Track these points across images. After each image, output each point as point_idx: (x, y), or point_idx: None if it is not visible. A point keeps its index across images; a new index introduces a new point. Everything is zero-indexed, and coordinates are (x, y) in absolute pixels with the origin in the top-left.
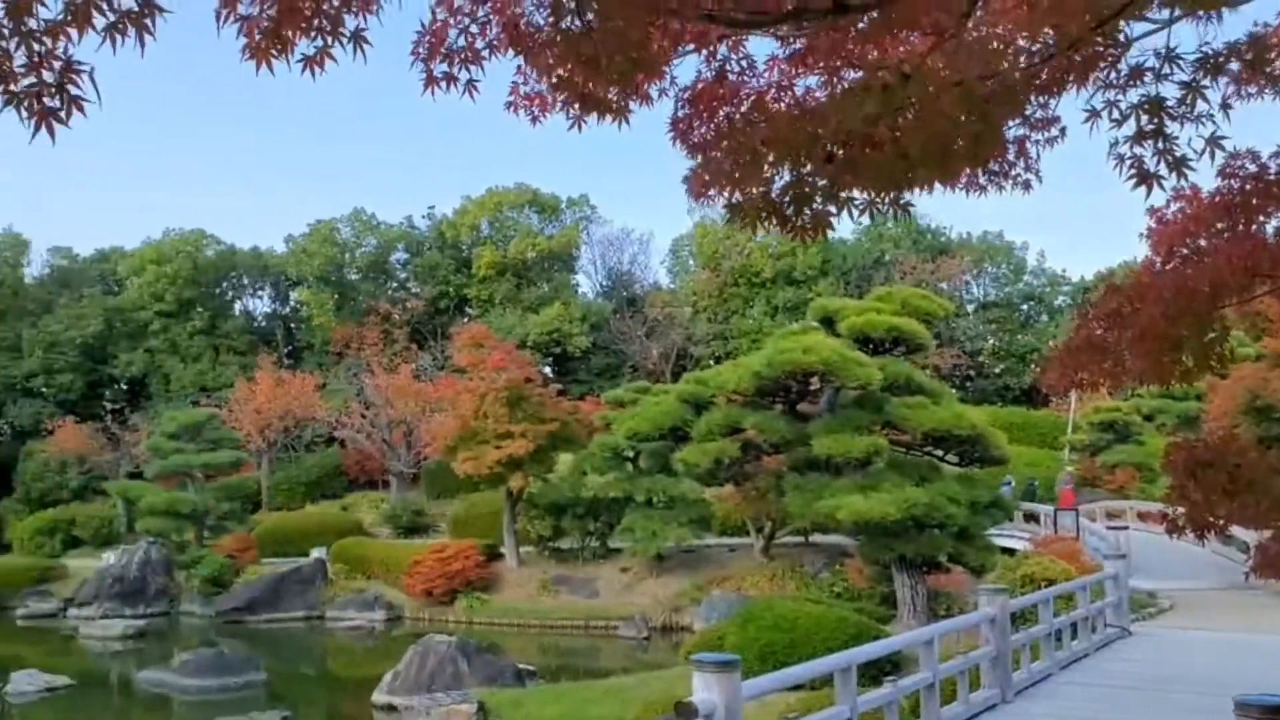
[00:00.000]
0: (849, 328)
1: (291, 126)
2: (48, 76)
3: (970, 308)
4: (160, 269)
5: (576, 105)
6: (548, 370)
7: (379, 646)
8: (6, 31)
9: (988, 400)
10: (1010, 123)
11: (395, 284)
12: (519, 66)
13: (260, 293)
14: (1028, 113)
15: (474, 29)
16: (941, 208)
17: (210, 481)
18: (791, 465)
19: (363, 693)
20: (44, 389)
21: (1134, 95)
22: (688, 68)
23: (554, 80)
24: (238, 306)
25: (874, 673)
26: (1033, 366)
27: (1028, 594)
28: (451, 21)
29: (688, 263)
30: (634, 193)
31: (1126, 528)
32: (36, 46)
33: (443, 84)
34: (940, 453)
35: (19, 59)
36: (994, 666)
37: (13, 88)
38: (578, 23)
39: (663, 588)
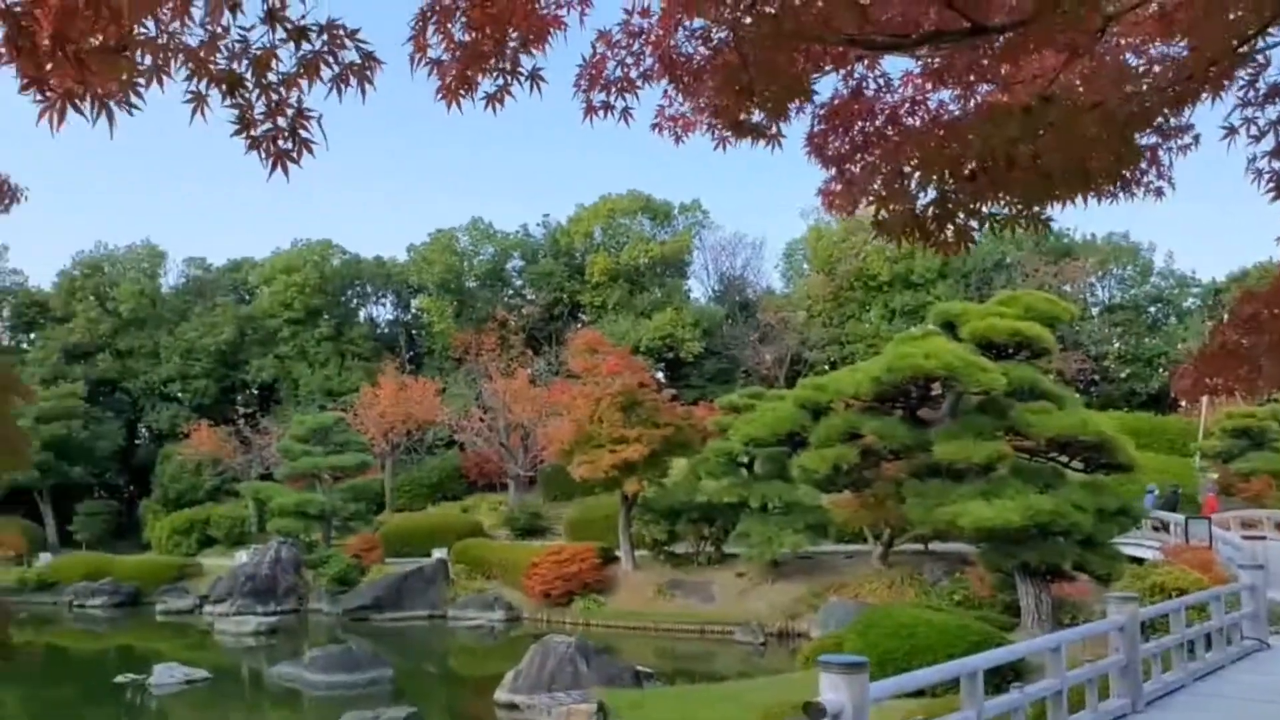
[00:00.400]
0: (971, 332)
1: (411, 136)
2: (282, 123)
3: (1095, 311)
4: (289, 278)
5: (729, 131)
6: (660, 376)
7: (499, 646)
8: (249, 84)
9: (1114, 405)
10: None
11: (511, 291)
12: (665, 91)
13: (383, 300)
14: (1159, 123)
15: (629, 60)
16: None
17: (337, 483)
18: (911, 472)
19: (485, 691)
20: (180, 394)
21: (1272, 112)
22: (824, 85)
23: (712, 107)
24: (362, 314)
25: (997, 681)
26: (1161, 370)
27: (1157, 603)
28: (610, 55)
29: (802, 266)
30: (747, 198)
31: (1264, 538)
32: (274, 96)
33: (600, 112)
34: (1065, 459)
35: (259, 108)
36: (1123, 675)
37: (253, 133)
38: (734, 56)
39: (779, 594)
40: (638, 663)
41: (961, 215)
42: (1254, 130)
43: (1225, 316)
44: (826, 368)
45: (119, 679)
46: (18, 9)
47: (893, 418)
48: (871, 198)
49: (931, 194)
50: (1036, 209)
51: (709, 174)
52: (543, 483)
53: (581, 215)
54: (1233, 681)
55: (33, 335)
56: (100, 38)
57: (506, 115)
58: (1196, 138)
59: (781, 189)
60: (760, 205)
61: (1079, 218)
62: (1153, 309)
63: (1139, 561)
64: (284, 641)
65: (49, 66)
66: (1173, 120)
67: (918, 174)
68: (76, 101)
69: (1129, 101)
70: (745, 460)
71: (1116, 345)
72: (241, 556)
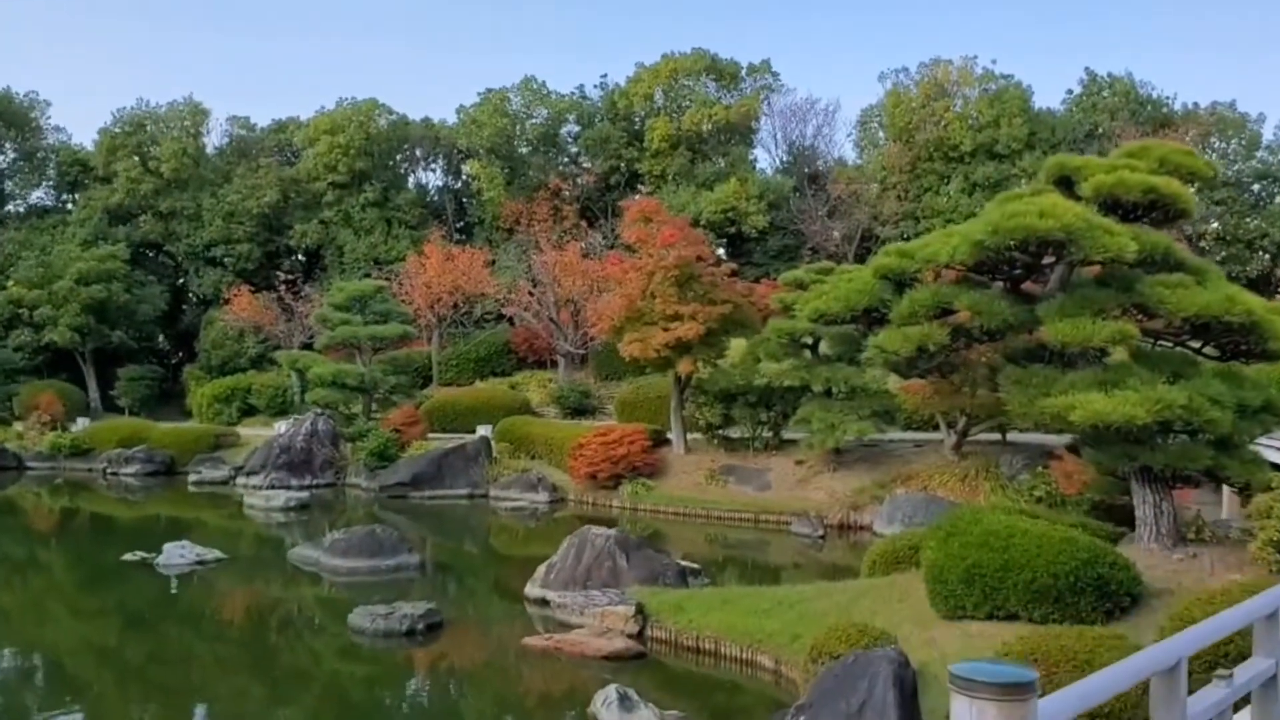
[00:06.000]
0: (1095, 188)
1: None
2: None
3: (1193, 187)
4: (334, 139)
5: None
6: (721, 251)
7: (540, 529)
8: None
9: None
10: None
11: (566, 158)
12: None
13: (432, 166)
14: None
15: None
16: (1167, 74)
17: (379, 355)
18: (1009, 355)
19: (520, 580)
20: (225, 258)
21: None
22: None
23: None
24: (410, 179)
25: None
26: (1262, 253)
27: None
28: None
29: (877, 135)
30: (821, 59)
31: None
32: None
33: None
34: (1197, 344)
35: None
36: None
37: None
38: None
39: (840, 483)
40: (683, 556)
41: None
42: None
43: None
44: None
45: (127, 556)
46: None
47: (992, 290)
48: None
49: None
50: None
51: (780, 32)
52: (594, 361)
53: (641, 76)
54: None
55: (76, 195)
56: None
57: None
58: None
59: (859, 49)
60: (836, 67)
61: (1181, 83)
62: (1257, 186)
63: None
64: (316, 517)
65: None
66: None
67: None
68: None
69: None
70: (809, 341)
71: (1215, 225)
72: (280, 427)
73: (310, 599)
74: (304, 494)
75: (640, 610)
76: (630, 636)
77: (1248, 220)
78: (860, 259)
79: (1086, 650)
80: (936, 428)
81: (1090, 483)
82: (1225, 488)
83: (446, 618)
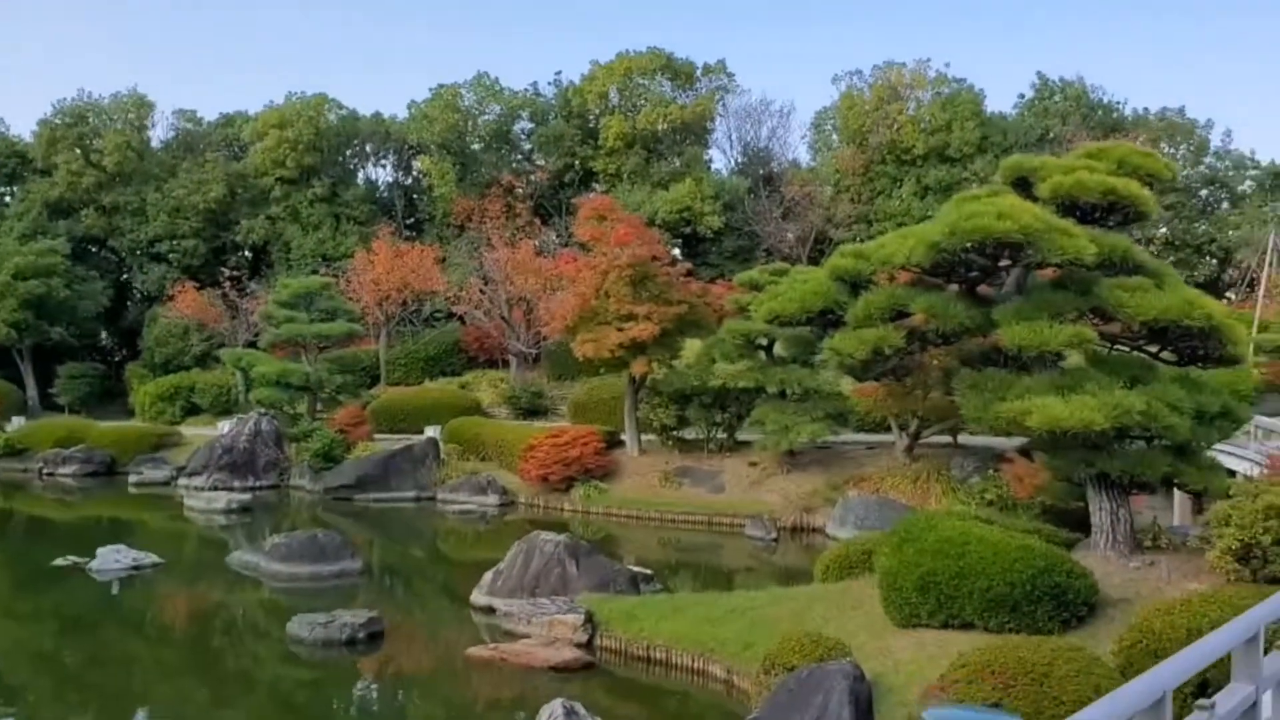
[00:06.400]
0: (1053, 189)
1: None
2: None
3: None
4: (282, 134)
5: None
6: (676, 252)
7: (489, 532)
8: None
9: None
10: None
11: (519, 155)
12: None
13: (382, 161)
14: None
15: None
16: (1118, 80)
17: (325, 353)
18: (964, 359)
19: (467, 586)
20: (169, 254)
21: None
22: None
23: None
24: (359, 175)
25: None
26: (1209, 258)
27: (1270, 529)
28: None
29: (830, 138)
30: (775, 61)
31: None
32: None
33: None
34: (1154, 348)
35: None
36: None
37: None
38: None
39: (793, 485)
40: (636, 561)
41: None
42: None
43: None
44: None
45: (58, 561)
46: None
47: (948, 293)
48: None
49: None
50: None
51: (735, 33)
52: (547, 361)
53: (596, 74)
54: None
55: (14, 188)
56: None
57: None
58: None
59: (813, 50)
60: (790, 69)
61: (1131, 89)
62: (1205, 192)
63: (1232, 474)
64: (258, 520)
65: None
66: None
67: None
68: None
69: None
70: (764, 342)
71: (1164, 230)
72: (223, 427)
73: (249, 606)
74: (246, 496)
75: (590, 619)
76: (579, 646)
77: (1196, 225)
78: (814, 261)
79: (1044, 662)
80: (889, 430)
81: (1042, 486)
82: (1177, 492)
83: (389, 626)
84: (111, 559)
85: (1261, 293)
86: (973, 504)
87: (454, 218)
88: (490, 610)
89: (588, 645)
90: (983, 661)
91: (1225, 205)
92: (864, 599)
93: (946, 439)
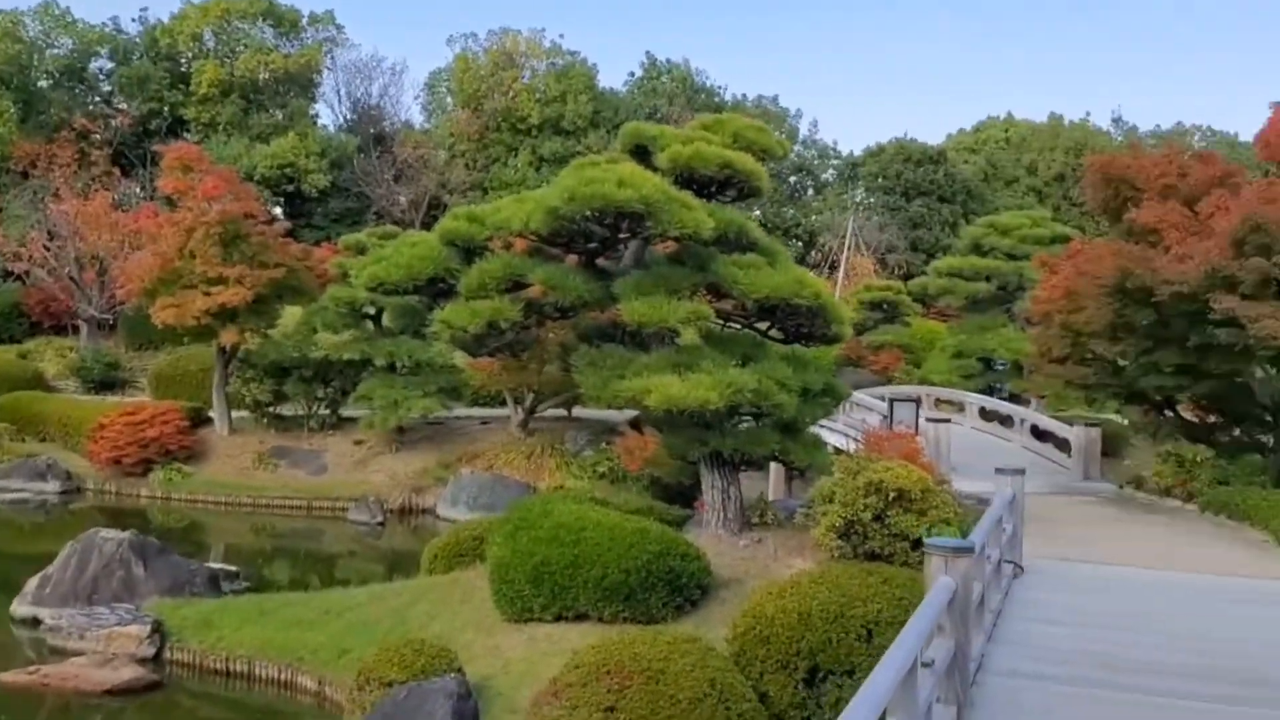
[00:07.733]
0: (671, 160)
1: None
2: None
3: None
4: None
5: None
6: (278, 211)
7: (50, 525)
8: None
9: None
10: None
11: (97, 97)
12: None
13: None
14: None
15: None
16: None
17: None
18: (581, 334)
19: (8, 595)
20: None
21: None
22: None
23: None
24: None
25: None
26: (795, 240)
27: (869, 506)
28: None
29: (445, 101)
30: (388, 14)
31: (947, 420)
32: None
33: None
34: (764, 326)
35: None
36: (949, 674)
37: None
38: None
39: (402, 464)
40: (222, 555)
41: None
42: None
43: None
44: None
45: None
46: None
47: (567, 264)
48: None
49: None
50: None
51: None
52: (124, 328)
53: (188, 13)
54: (1025, 638)
55: None
56: None
57: None
58: None
59: (427, 9)
60: (403, 26)
61: (730, 75)
62: (793, 178)
63: (838, 452)
64: None
65: None
66: None
67: None
68: None
69: None
70: (371, 311)
71: (757, 212)
72: None
73: None
74: None
75: (158, 629)
76: (143, 662)
77: (785, 209)
78: (428, 226)
79: (660, 658)
80: (504, 404)
81: (651, 460)
82: (773, 466)
83: None
84: None
85: (842, 274)
86: (585, 478)
87: (14, 163)
88: (36, 623)
89: (155, 660)
90: (597, 661)
91: (810, 192)
92: (474, 591)
93: (562, 412)
